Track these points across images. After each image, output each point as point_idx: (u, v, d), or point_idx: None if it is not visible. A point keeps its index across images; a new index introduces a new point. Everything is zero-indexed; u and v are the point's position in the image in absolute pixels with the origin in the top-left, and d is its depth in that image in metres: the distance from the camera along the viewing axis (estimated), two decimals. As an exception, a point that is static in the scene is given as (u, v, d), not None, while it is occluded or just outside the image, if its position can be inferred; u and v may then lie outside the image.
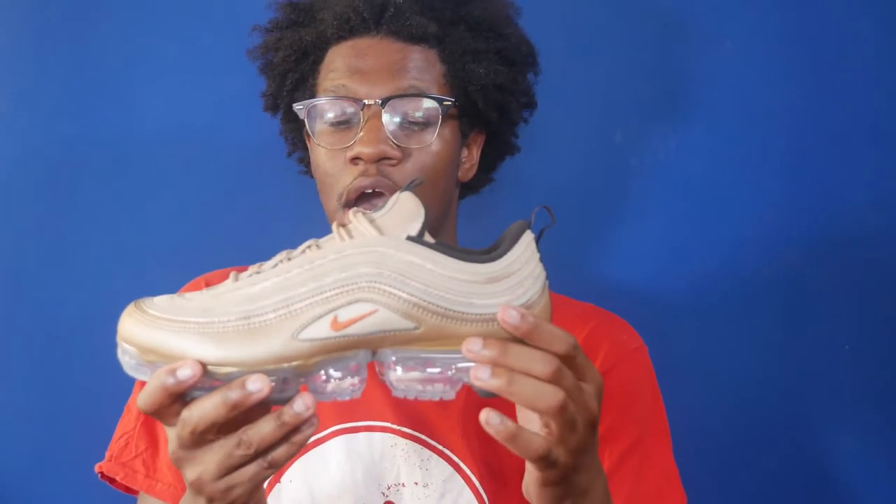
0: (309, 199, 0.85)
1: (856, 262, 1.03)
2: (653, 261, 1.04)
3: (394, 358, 0.54)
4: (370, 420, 0.78)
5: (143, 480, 0.82)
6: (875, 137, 1.03)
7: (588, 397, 0.54)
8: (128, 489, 0.83)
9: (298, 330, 0.52)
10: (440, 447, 0.78)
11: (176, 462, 0.55)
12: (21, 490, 1.03)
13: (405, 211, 0.55)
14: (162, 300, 0.54)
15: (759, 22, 1.03)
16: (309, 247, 0.55)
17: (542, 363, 0.52)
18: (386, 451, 0.77)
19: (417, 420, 0.78)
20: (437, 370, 0.54)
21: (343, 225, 0.56)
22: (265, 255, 0.58)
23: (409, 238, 0.54)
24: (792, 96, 1.03)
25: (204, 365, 0.51)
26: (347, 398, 0.55)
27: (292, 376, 0.52)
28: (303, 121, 0.81)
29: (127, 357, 0.53)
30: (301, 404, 0.52)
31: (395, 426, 0.78)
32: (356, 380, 0.54)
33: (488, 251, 0.56)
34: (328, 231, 0.57)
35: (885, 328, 1.03)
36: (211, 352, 0.51)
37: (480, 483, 0.77)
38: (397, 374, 0.54)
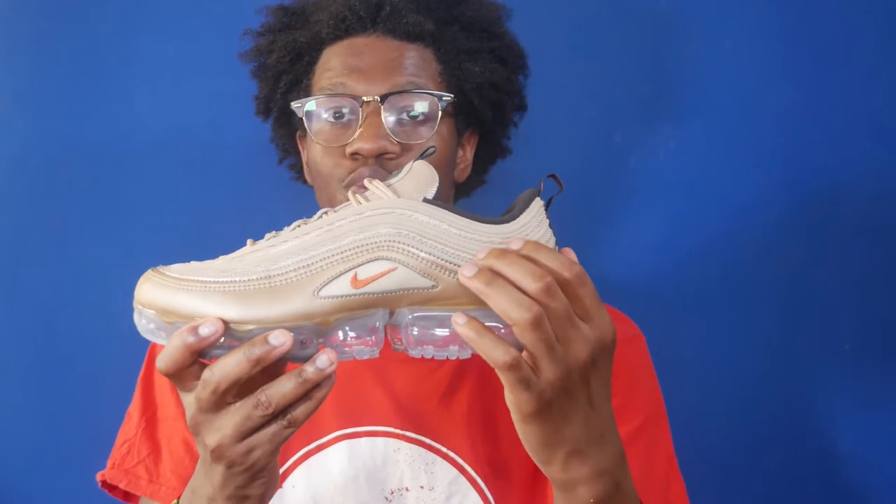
0: (309, 199, 0.85)
1: (855, 262, 1.03)
2: (652, 260, 1.04)
3: (410, 317, 0.55)
4: (373, 425, 0.79)
5: (147, 486, 0.82)
6: (875, 137, 1.03)
7: (580, 336, 0.54)
8: (127, 496, 0.83)
9: (319, 287, 0.53)
10: (444, 450, 0.78)
11: (194, 429, 0.55)
12: (21, 490, 1.03)
13: (421, 177, 0.57)
14: (178, 266, 0.55)
15: (759, 22, 1.03)
16: (325, 212, 0.56)
17: (532, 277, 0.52)
18: (389, 455, 0.77)
19: (421, 423, 0.78)
20: (451, 330, 0.55)
21: (357, 192, 0.57)
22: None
23: (426, 200, 0.55)
24: (791, 96, 1.03)
25: (225, 323, 0.52)
26: (366, 357, 0.56)
27: (312, 334, 0.53)
28: (300, 119, 0.80)
29: (144, 320, 0.54)
30: (325, 360, 0.52)
31: (397, 430, 0.78)
32: (373, 338, 0.55)
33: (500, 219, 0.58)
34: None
35: (885, 328, 1.03)
36: (232, 310, 0.52)
37: (486, 484, 0.77)
38: (414, 334, 0.55)
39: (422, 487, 0.76)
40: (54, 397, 1.02)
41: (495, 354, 0.52)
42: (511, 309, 0.51)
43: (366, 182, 0.57)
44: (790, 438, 1.03)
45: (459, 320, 0.53)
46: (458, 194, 0.92)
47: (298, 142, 0.88)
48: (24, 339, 1.02)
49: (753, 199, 1.03)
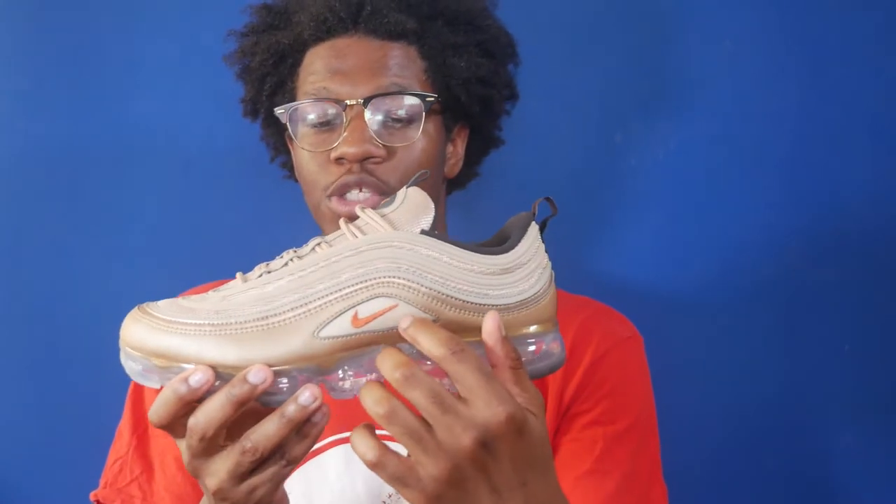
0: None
1: (855, 262, 1.02)
2: (652, 260, 1.04)
3: (413, 352, 0.53)
4: None
5: None
6: (874, 137, 1.02)
7: (459, 422, 0.49)
8: None
9: (319, 328, 0.52)
10: None
11: (193, 472, 0.54)
12: (21, 490, 1.03)
13: (415, 205, 0.55)
14: (166, 304, 0.53)
15: (759, 22, 1.03)
16: (318, 244, 0.55)
17: (392, 366, 0.49)
18: None
19: None
20: None
21: (350, 220, 0.56)
22: (265, 256, 0.58)
23: (423, 232, 0.54)
24: (791, 96, 1.02)
25: (215, 369, 0.50)
26: None
27: (312, 375, 0.52)
28: (284, 124, 0.80)
29: (131, 362, 0.52)
30: (308, 396, 0.51)
31: None
32: (373, 376, 0.54)
33: (490, 244, 0.57)
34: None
35: (885, 328, 1.03)
36: (230, 353, 0.51)
37: None
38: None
39: None
40: (54, 398, 1.02)
41: (359, 451, 0.50)
42: (366, 404, 0.49)
43: (358, 211, 0.56)
44: (790, 438, 1.03)
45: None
46: (453, 187, 0.92)
47: (288, 142, 0.88)
48: (24, 339, 1.02)
49: (753, 199, 1.03)
